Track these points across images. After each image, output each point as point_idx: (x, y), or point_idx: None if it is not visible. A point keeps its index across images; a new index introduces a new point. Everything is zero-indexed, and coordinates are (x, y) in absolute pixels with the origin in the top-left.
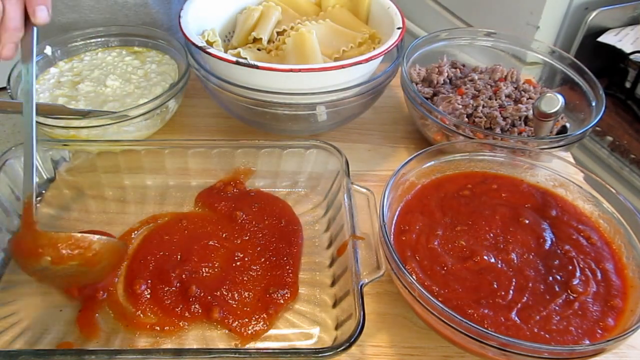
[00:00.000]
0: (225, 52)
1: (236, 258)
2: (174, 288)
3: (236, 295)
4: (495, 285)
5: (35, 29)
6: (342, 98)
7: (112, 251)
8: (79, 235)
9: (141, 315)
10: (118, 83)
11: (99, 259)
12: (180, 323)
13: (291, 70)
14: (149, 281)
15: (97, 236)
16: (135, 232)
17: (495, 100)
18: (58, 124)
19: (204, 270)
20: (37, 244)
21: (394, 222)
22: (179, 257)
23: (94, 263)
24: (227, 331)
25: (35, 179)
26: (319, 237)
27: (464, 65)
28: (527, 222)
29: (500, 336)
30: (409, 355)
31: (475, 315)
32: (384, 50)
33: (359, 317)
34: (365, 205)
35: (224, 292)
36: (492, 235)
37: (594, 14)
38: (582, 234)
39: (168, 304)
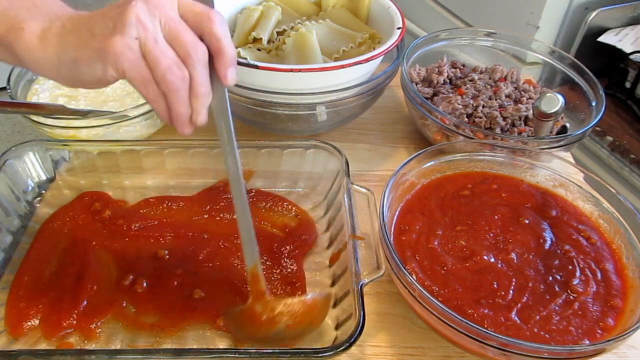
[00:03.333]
0: None
1: (236, 258)
2: (174, 288)
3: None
4: (495, 285)
5: (225, 90)
6: (342, 98)
7: (326, 305)
8: (308, 298)
9: (141, 315)
10: (118, 83)
11: (319, 316)
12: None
13: (291, 70)
14: (150, 282)
15: (317, 295)
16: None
17: (495, 100)
18: (58, 124)
19: (204, 271)
20: (275, 312)
21: (394, 222)
22: (179, 257)
23: (316, 321)
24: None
25: (257, 250)
26: (319, 237)
27: (464, 65)
28: (527, 222)
29: (500, 336)
30: (409, 355)
31: (475, 315)
32: (384, 50)
33: (359, 317)
34: (365, 205)
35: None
36: (492, 235)
37: (594, 14)
38: (582, 234)
39: (168, 304)
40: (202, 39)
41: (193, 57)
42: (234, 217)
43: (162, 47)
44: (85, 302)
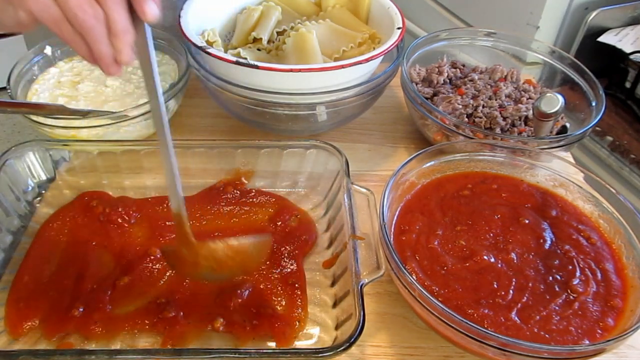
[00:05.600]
0: (225, 52)
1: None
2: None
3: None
4: (495, 285)
5: (147, 27)
6: (342, 98)
7: (263, 247)
8: (235, 242)
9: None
10: (118, 83)
11: (252, 258)
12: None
13: (291, 70)
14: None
15: (250, 239)
16: None
17: (495, 100)
18: (58, 124)
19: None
20: (199, 256)
21: (394, 222)
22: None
23: (249, 263)
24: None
25: (182, 196)
26: (319, 237)
27: (464, 65)
28: (527, 222)
29: (500, 336)
30: (409, 355)
31: (475, 315)
32: (384, 50)
33: (359, 317)
34: (365, 205)
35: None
36: (492, 235)
37: (594, 14)
38: (582, 234)
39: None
40: None
41: None
42: (233, 216)
43: None
44: (85, 302)
